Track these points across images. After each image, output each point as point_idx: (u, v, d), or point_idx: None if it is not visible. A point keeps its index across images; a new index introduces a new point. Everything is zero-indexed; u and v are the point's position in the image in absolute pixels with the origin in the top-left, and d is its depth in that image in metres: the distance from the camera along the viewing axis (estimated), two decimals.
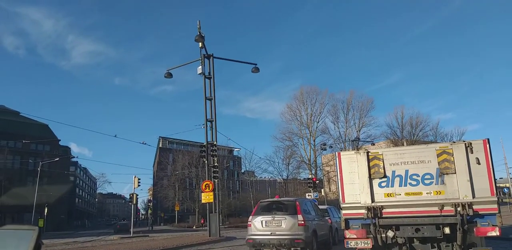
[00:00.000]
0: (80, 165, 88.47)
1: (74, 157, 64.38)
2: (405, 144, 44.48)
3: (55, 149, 60.51)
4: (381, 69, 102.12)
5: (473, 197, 7.52)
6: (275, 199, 12.80)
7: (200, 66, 21.21)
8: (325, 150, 42.66)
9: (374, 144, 45.12)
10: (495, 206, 7.50)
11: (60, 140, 62.97)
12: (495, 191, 7.58)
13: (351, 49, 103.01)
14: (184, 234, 25.29)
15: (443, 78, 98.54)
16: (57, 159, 47.11)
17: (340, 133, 49.95)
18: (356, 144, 44.95)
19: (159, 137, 75.60)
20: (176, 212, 55.66)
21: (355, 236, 8.21)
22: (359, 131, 48.96)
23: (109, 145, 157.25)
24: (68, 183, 69.10)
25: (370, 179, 8.31)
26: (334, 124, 50.19)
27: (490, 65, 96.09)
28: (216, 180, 20.52)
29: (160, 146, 76.41)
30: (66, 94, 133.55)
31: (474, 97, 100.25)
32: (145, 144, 30.36)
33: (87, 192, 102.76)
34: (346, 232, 8.36)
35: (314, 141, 49.15)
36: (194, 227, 44.60)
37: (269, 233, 10.76)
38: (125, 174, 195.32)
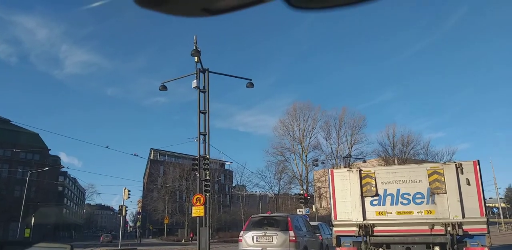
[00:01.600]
0: (70, 175, 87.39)
1: (63, 167, 63.61)
2: (396, 162, 44.87)
3: (45, 158, 59.87)
4: (374, 87, 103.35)
5: (463, 217, 7.65)
6: (266, 214, 12.81)
7: (195, 80, 21.36)
8: (317, 165, 42.70)
9: (365, 161, 45.34)
10: (485, 226, 7.63)
11: (50, 149, 62.41)
12: (484, 212, 7.73)
13: (344, 66, 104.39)
14: (173, 248, 24.99)
15: (435, 97, 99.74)
16: (47, 168, 46.58)
17: (332, 149, 50.13)
18: (348, 161, 45.12)
19: (151, 148, 75.30)
20: (165, 225, 54.97)
21: None
22: (351, 148, 49.19)
23: (99, 155, 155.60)
24: (56, 193, 68.13)
25: (362, 197, 8.42)
26: (326, 140, 50.42)
27: (481, 86, 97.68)
28: (207, 194, 20.43)
29: (151, 157, 75.94)
30: (58, 103, 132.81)
31: (465, 117, 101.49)
32: (137, 155, 30.24)
33: (75, 202, 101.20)
34: (338, 249, 8.41)
35: (306, 156, 49.24)
36: (183, 241, 44.01)
37: (260, 248, 10.73)
38: (115, 185, 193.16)
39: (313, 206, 42.60)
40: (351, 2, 0.82)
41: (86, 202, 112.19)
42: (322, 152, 49.69)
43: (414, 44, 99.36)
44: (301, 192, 38.96)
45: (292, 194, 54.80)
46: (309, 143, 49.71)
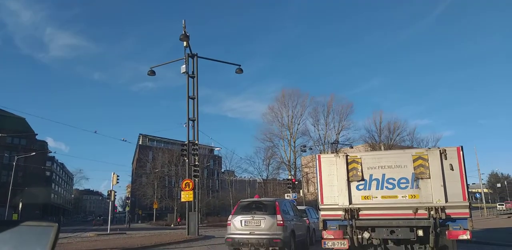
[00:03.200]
0: (57, 160, 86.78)
1: (51, 152, 63.08)
2: (382, 148, 45.41)
3: (32, 143, 59.23)
4: (362, 74, 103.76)
5: (446, 201, 7.85)
6: (255, 199, 12.96)
7: (184, 65, 21.20)
8: (305, 151, 43.08)
9: (352, 147, 45.87)
10: (467, 210, 7.84)
11: (37, 134, 61.71)
12: (467, 196, 7.93)
13: (333, 53, 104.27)
14: (162, 232, 25.19)
15: (421, 85, 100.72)
16: (33, 153, 46.14)
17: (320, 135, 50.47)
18: (335, 147, 45.54)
19: (139, 134, 75.01)
20: (154, 210, 55.25)
21: (332, 237, 8.44)
22: (339, 134, 49.55)
23: (87, 141, 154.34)
24: (44, 178, 67.71)
25: (348, 182, 8.56)
26: (314, 126, 50.69)
27: (466, 75, 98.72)
28: (196, 179, 20.55)
29: (140, 143, 75.69)
30: (44, 87, 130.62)
31: (450, 105, 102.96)
32: (125, 140, 30.13)
33: (63, 187, 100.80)
34: (324, 232, 8.58)
35: (294, 142, 49.54)
36: (172, 225, 44.38)
37: (248, 232, 10.91)
38: (103, 171, 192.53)
39: (301, 191, 43.15)
40: None
41: (74, 187, 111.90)
42: (310, 138, 50.07)
43: (403, 31, 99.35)
44: (289, 177, 39.40)
45: (280, 179, 55.36)
46: (297, 129, 49.99)
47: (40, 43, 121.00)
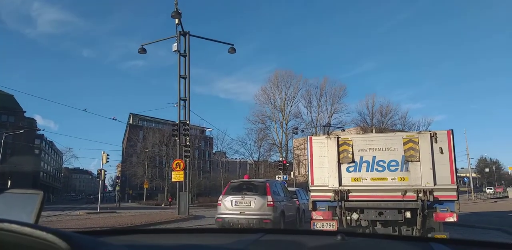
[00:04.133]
0: (46, 138, 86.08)
1: (40, 130, 62.51)
2: (374, 131, 45.70)
3: (20, 120, 58.58)
4: (356, 57, 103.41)
5: (435, 184, 7.93)
6: (245, 179, 13.03)
7: (176, 44, 20.82)
8: (297, 133, 43.20)
9: (344, 130, 46.06)
10: (455, 193, 7.94)
11: (25, 111, 60.97)
12: (455, 180, 8.01)
13: (327, 36, 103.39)
14: (152, 212, 25.35)
15: (414, 69, 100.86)
16: (22, 130, 45.66)
17: (312, 118, 50.60)
18: (327, 129, 45.72)
19: (130, 113, 74.46)
20: (145, 190, 55.49)
21: (321, 217, 8.52)
22: (331, 117, 49.72)
23: (76, 119, 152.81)
24: (32, 156, 67.30)
25: (339, 164, 8.59)
26: (307, 109, 50.75)
27: (459, 60, 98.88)
28: (187, 159, 20.55)
29: (131, 122, 75.21)
30: (32, 64, 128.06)
31: (442, 89, 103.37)
32: (115, 119, 29.64)
33: (52, 166, 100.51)
34: (313, 213, 8.66)
35: (286, 124, 49.67)
36: (163, 205, 44.71)
37: (238, 212, 11.00)
38: (93, 149, 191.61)
39: (292, 172, 43.52)
40: None
41: (64, 165, 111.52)
42: (302, 120, 50.20)
43: (395, 16, 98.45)
44: (281, 159, 39.61)
45: (272, 161, 55.75)
46: (289, 111, 50.04)
47: (27, 18, 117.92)
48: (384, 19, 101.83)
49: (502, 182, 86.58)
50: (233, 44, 21.68)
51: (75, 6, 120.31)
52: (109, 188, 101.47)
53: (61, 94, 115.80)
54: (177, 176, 19.71)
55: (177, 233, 2.03)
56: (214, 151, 71.82)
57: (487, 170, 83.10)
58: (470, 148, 55.41)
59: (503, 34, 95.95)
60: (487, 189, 64.86)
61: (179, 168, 19.61)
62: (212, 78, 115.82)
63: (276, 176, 30.71)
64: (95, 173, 31.41)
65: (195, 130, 56.33)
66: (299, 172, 54.90)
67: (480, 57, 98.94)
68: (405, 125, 51.52)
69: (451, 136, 8.12)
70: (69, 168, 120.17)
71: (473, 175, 66.66)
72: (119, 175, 70.39)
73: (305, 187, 22.87)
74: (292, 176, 41.27)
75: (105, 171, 27.63)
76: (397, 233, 8.41)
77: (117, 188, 56.25)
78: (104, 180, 29.90)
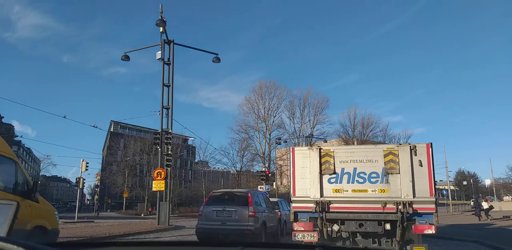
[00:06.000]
0: (24, 144, 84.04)
1: (17, 136, 60.98)
2: (355, 143, 46.19)
3: None
4: (339, 69, 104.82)
5: (414, 196, 8.03)
6: (227, 190, 12.98)
7: (160, 52, 20.80)
8: (280, 144, 43.35)
9: (326, 141, 46.45)
10: (433, 206, 8.06)
11: (3, 117, 59.54)
12: (434, 192, 8.14)
13: (311, 46, 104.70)
14: (131, 222, 24.88)
15: (395, 82, 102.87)
16: None
17: (295, 128, 50.89)
18: (309, 140, 46.00)
19: (111, 120, 73.44)
20: (124, 199, 54.49)
21: (302, 229, 8.51)
22: (313, 128, 50.10)
23: (55, 125, 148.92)
24: None
25: (321, 175, 8.63)
26: (290, 119, 51.05)
27: (438, 74, 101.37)
28: (168, 168, 20.34)
29: (112, 130, 74.20)
30: (10, 68, 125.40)
31: (422, 103, 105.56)
32: (96, 127, 29.09)
33: (29, 173, 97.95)
34: (295, 224, 8.65)
35: (269, 134, 49.79)
36: (143, 215, 43.95)
37: (220, 223, 10.92)
38: (72, 157, 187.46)
39: (274, 183, 43.47)
40: None
41: (41, 173, 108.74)
42: (285, 131, 50.45)
43: (377, 29, 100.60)
44: (263, 169, 39.57)
45: (254, 171, 55.58)
46: (273, 122, 50.24)
47: (7, 22, 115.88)
48: (367, 31, 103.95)
49: (480, 194, 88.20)
50: (217, 54, 21.79)
51: (57, 11, 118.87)
52: (88, 197, 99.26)
53: (40, 100, 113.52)
54: (158, 185, 19.45)
55: (154, 246, 2.01)
56: (196, 160, 71.15)
57: (465, 182, 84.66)
58: (448, 161, 56.41)
59: (476, 48, 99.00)
60: (472, 201, 65.73)
61: (160, 177, 19.37)
62: (196, 86, 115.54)
63: (259, 186, 30.63)
64: (74, 181, 30.68)
65: (178, 138, 55.96)
66: (281, 182, 54.87)
67: (461, 70, 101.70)
68: (386, 137, 52.30)
69: (430, 149, 8.28)
70: (47, 175, 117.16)
71: (451, 187, 67.82)
72: (98, 184, 69.02)
73: (287, 197, 22.85)
74: (274, 187, 41.22)
75: (84, 179, 27.09)
76: (376, 244, 8.47)
77: (96, 196, 55.06)
78: (82, 189, 29.30)
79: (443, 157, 50.08)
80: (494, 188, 65.78)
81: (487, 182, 74.66)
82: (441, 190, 53.86)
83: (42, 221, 7.81)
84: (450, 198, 50.46)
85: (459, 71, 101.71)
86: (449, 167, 54.08)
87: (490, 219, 25.71)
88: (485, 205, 26.84)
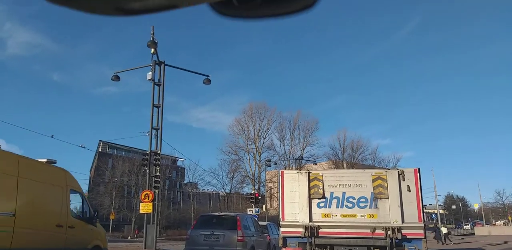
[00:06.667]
0: None
1: None
2: (345, 165, 46.37)
3: None
4: (328, 91, 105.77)
5: (403, 221, 8.05)
6: (215, 213, 12.82)
7: (150, 72, 20.92)
8: (270, 166, 43.21)
9: (316, 164, 46.44)
10: (422, 231, 8.07)
11: None
12: (422, 217, 8.18)
13: (300, 69, 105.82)
14: (117, 245, 24.27)
15: (384, 106, 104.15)
16: None
17: (285, 150, 50.92)
18: (299, 162, 45.99)
19: (100, 140, 72.60)
20: (111, 221, 53.28)
21: None
22: (303, 150, 50.19)
23: (43, 145, 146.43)
24: None
25: (310, 199, 8.62)
26: (280, 141, 51.16)
27: (424, 97, 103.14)
28: (156, 190, 20.07)
29: (100, 150, 73.33)
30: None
31: (410, 126, 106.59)
32: (84, 147, 28.55)
33: None
34: (283, 249, 8.56)
35: (259, 156, 49.66)
36: (129, 238, 42.96)
37: (207, 247, 10.71)
38: None
39: (264, 206, 43.06)
40: (276, 13, 0.84)
41: None
42: (276, 153, 50.41)
43: (362, 55, 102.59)
44: (253, 191, 39.24)
45: (244, 193, 55.10)
46: (263, 143, 50.24)
47: None
48: (357, 53, 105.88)
49: (469, 218, 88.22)
50: (208, 76, 21.93)
51: (48, 29, 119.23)
52: None
53: (27, 118, 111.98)
54: (145, 207, 19.11)
55: None
56: (185, 182, 70.47)
57: (454, 206, 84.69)
58: (437, 184, 56.69)
59: (466, 77, 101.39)
60: (464, 225, 65.68)
61: (148, 199, 19.06)
62: (186, 107, 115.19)
63: (248, 209, 30.29)
64: None
65: (167, 159, 55.47)
66: (271, 205, 54.38)
67: (450, 95, 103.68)
68: (375, 160, 52.61)
69: (418, 174, 8.36)
70: None
71: (441, 211, 67.79)
72: None
73: (277, 220, 22.60)
74: (264, 209, 40.79)
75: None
76: None
77: None
78: None
79: (432, 180, 50.39)
80: (483, 212, 65.77)
81: (476, 207, 74.78)
82: (431, 214, 53.83)
83: (98, 242, 9.74)
84: (440, 222, 50.27)
85: (444, 101, 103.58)
86: (438, 191, 54.27)
87: (452, 243, 27.95)
88: (444, 230, 29.64)
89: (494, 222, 77.05)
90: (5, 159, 7.65)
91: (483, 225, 60.54)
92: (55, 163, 9.18)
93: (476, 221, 72.90)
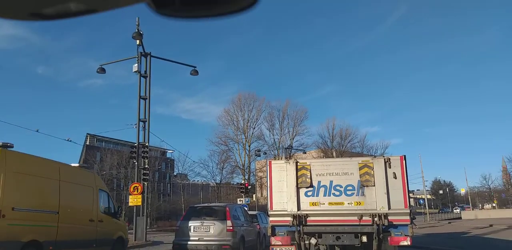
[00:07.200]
0: None
1: None
2: (334, 154, 46.68)
3: None
4: (317, 80, 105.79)
5: (389, 208, 8.15)
6: (205, 204, 12.86)
7: (136, 64, 20.65)
8: (259, 156, 43.37)
9: (305, 152, 46.71)
10: (408, 217, 8.19)
11: None
12: (408, 204, 8.29)
13: (289, 59, 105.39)
14: None
15: (372, 93, 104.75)
16: None
17: (274, 140, 51.06)
18: (289, 152, 46.18)
19: (87, 133, 71.85)
20: None
21: (280, 243, 8.49)
22: (293, 139, 50.37)
23: (29, 139, 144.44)
24: None
25: (297, 188, 8.66)
26: (270, 131, 51.24)
27: (412, 86, 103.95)
28: (145, 183, 20.02)
29: (87, 143, 72.64)
30: None
31: (399, 114, 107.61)
32: (70, 141, 28.14)
33: None
34: (272, 238, 8.62)
35: (249, 146, 49.73)
36: None
37: (197, 238, 10.76)
38: None
39: (254, 195, 43.33)
40: (214, 14, 0.83)
41: None
42: (265, 143, 50.54)
43: (354, 43, 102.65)
44: (243, 181, 39.41)
45: (234, 183, 55.26)
46: (252, 133, 50.27)
47: None
48: (346, 43, 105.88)
49: (456, 203, 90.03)
50: (195, 67, 21.74)
51: (30, 22, 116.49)
52: None
53: (12, 112, 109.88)
54: (134, 200, 19.09)
55: None
56: (175, 173, 70.37)
57: (441, 191, 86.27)
58: (424, 170, 57.65)
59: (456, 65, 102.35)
60: (454, 209, 67.08)
61: (137, 191, 19.02)
62: (174, 98, 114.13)
63: (238, 199, 30.44)
64: None
65: (156, 151, 55.19)
66: (261, 194, 54.71)
67: (436, 83, 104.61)
68: (363, 147, 53.02)
69: (404, 161, 8.45)
70: None
71: (428, 196, 69.03)
72: None
73: (266, 210, 22.76)
74: (254, 199, 41.06)
75: None
76: None
77: None
78: None
79: (419, 166, 51.07)
80: (469, 197, 67.15)
81: (463, 191, 76.26)
82: (419, 199, 54.77)
83: (121, 233, 11.51)
84: (427, 207, 51.24)
85: (432, 88, 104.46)
86: (425, 176, 55.16)
87: (417, 227, 28.55)
88: None
89: (481, 206, 78.75)
90: (49, 166, 9.19)
91: (472, 209, 61.94)
92: (87, 167, 11.06)
93: (464, 205, 74.51)
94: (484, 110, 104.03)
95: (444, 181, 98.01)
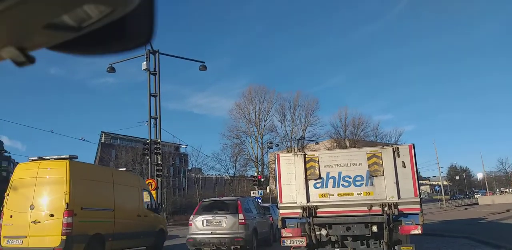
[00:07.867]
0: (14, 160, 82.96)
1: (6, 152, 60.22)
2: (347, 143, 46.49)
3: None
4: (327, 70, 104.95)
5: (399, 197, 8.11)
6: (216, 198, 13.05)
7: (145, 62, 20.80)
8: (272, 148, 43.44)
9: (318, 143, 46.58)
10: (418, 206, 8.15)
11: None
12: (418, 192, 8.24)
13: (298, 48, 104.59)
14: None
15: (384, 80, 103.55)
16: None
17: (286, 132, 51.05)
18: (301, 143, 46.15)
19: (101, 131, 72.73)
20: None
21: (291, 235, 8.55)
22: (305, 130, 50.29)
23: (44, 139, 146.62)
24: (0, 178, 64.66)
25: (306, 180, 8.68)
26: (281, 123, 51.22)
27: (424, 74, 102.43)
28: (159, 178, 20.28)
29: (103, 141, 73.57)
30: None
31: (412, 100, 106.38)
32: (84, 140, 28.52)
33: None
34: (283, 230, 8.69)
35: (261, 139, 49.88)
36: None
37: (210, 232, 10.91)
38: None
39: (268, 187, 43.49)
40: (110, 51, 0.85)
41: None
42: (277, 134, 50.58)
43: (363, 29, 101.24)
44: (256, 174, 39.57)
45: (248, 176, 55.54)
46: (264, 126, 50.35)
47: None
48: (354, 30, 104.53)
49: (472, 188, 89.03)
50: (203, 62, 21.81)
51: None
52: None
53: (27, 113, 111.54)
54: None
55: None
56: (189, 168, 70.93)
57: (457, 177, 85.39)
58: (440, 156, 56.87)
59: (467, 39, 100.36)
60: (475, 194, 66.08)
61: (151, 187, 19.27)
62: (185, 94, 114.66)
63: (252, 192, 30.62)
64: None
65: (169, 146, 55.69)
66: (275, 186, 54.90)
67: (448, 68, 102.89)
68: (377, 136, 52.72)
69: (413, 150, 8.38)
70: None
71: (444, 182, 68.35)
72: None
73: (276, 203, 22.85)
74: (268, 191, 41.23)
75: None
76: (365, 246, 8.54)
77: None
78: None
79: (434, 153, 50.49)
80: (486, 182, 66.36)
81: (479, 176, 75.31)
82: (434, 186, 54.26)
83: (162, 226, 13.40)
84: (443, 194, 50.79)
85: (446, 66, 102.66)
86: (440, 163, 54.67)
87: None
88: None
89: (500, 190, 77.58)
90: (104, 171, 11.76)
91: (493, 194, 60.96)
92: (131, 171, 13.06)
93: (480, 191, 73.52)
94: (498, 98, 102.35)
95: (460, 166, 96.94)
